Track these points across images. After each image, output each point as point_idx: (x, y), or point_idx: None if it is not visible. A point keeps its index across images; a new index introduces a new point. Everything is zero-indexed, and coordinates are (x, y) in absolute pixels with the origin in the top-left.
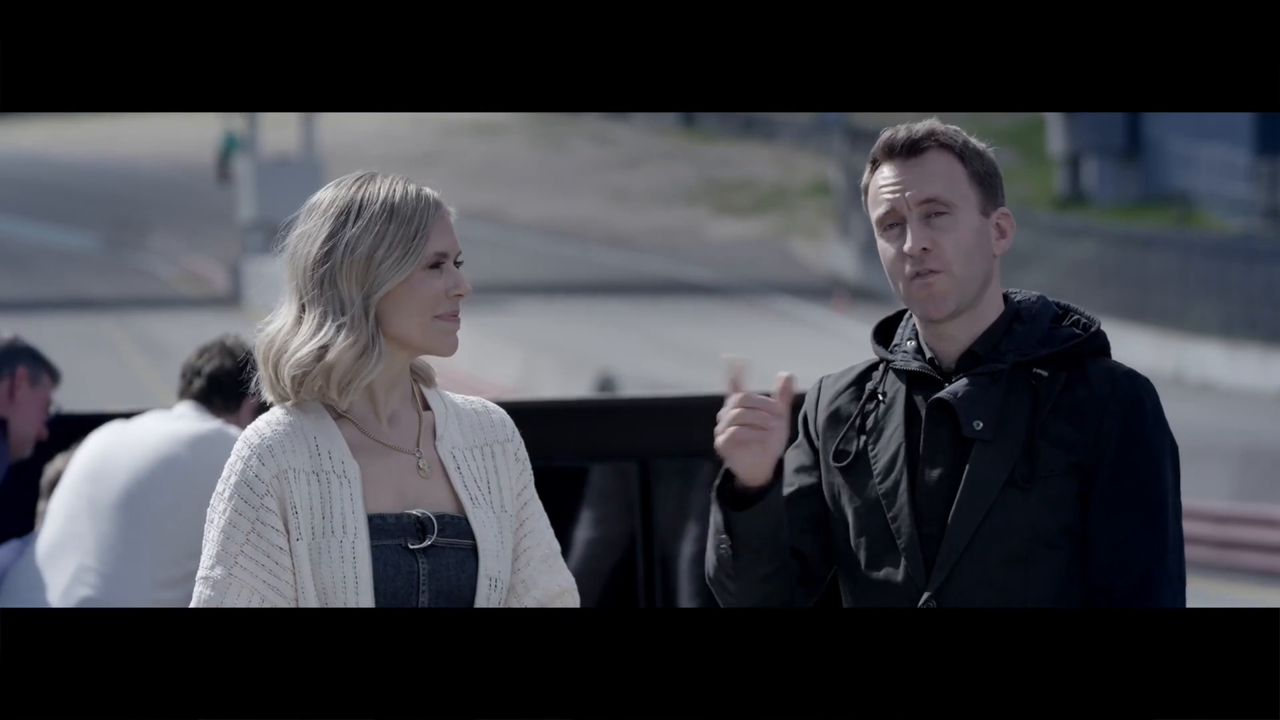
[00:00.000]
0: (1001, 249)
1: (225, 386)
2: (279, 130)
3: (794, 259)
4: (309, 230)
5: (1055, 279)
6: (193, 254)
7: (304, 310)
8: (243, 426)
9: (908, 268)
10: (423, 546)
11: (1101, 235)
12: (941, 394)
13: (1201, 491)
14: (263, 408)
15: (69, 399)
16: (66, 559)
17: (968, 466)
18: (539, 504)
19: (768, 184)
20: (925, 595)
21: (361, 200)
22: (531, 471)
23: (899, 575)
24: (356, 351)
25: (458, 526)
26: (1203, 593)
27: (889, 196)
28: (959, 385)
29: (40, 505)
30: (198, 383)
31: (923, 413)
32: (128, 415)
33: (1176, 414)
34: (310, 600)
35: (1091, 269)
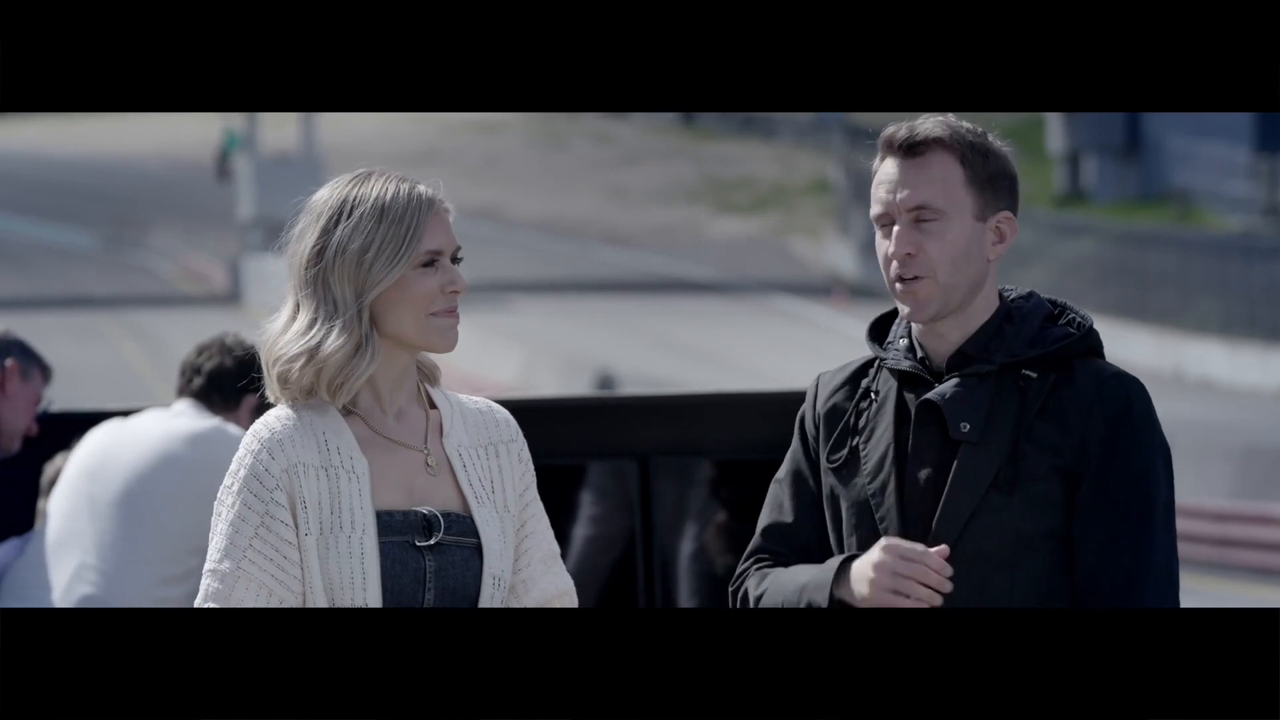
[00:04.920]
0: (998, 254)
1: (224, 385)
2: (279, 129)
3: (793, 257)
4: (303, 229)
5: (1055, 277)
6: (192, 252)
7: (298, 309)
8: (241, 425)
9: (893, 270)
10: (429, 544)
11: (1101, 233)
12: (930, 395)
13: (1201, 490)
14: (262, 406)
15: (68, 397)
16: (67, 557)
17: (954, 469)
18: (540, 505)
19: (767, 182)
20: None
21: (353, 200)
22: (534, 473)
23: None
24: (348, 352)
25: (463, 525)
26: (1202, 591)
27: (884, 196)
28: (947, 386)
29: (40, 503)
30: (197, 381)
31: (912, 413)
32: (126, 413)
33: (1176, 412)
34: (318, 595)
35: (1091, 267)
